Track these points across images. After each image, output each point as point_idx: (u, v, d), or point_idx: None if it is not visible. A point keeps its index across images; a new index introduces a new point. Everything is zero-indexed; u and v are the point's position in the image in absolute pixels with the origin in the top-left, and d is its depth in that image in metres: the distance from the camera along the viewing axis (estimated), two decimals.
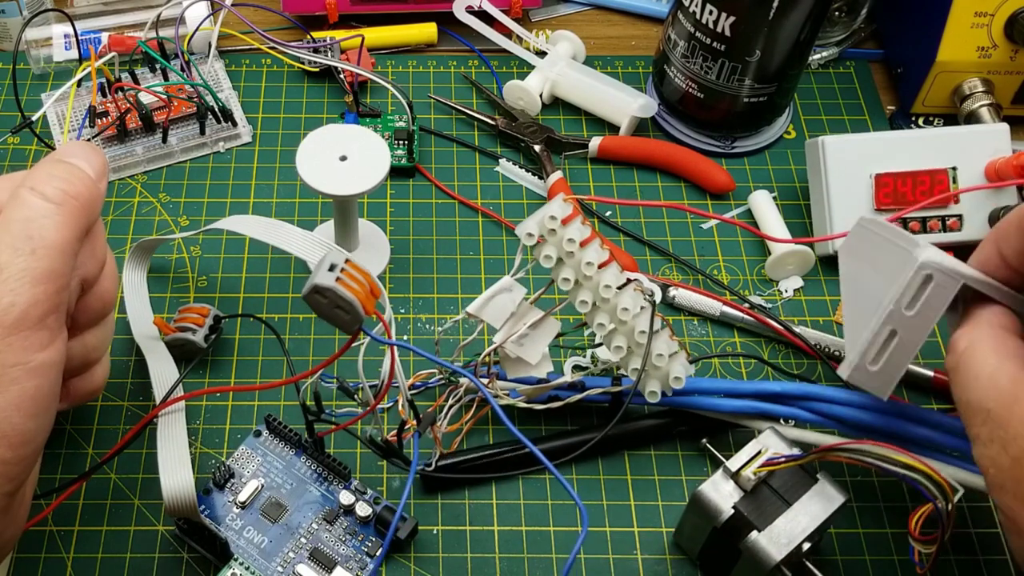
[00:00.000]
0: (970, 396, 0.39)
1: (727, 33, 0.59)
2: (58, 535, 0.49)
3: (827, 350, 0.56)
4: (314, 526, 0.49)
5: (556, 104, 0.69)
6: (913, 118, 0.68)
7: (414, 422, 0.47)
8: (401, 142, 0.65)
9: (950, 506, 0.41)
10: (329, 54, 0.68)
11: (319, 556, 0.47)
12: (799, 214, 0.64)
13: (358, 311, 0.37)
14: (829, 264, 0.61)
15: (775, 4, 0.57)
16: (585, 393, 0.51)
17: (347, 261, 0.37)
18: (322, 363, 0.41)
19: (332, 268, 0.37)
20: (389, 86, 0.64)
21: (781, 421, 0.52)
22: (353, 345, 0.40)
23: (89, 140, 0.63)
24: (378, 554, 0.48)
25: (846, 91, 0.71)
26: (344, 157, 0.53)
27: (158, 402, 0.49)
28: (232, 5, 0.68)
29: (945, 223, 0.59)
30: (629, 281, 0.46)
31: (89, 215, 0.40)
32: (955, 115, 0.67)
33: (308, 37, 0.69)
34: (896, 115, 0.69)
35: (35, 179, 0.39)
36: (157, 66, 0.66)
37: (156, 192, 0.63)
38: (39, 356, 0.36)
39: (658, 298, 0.53)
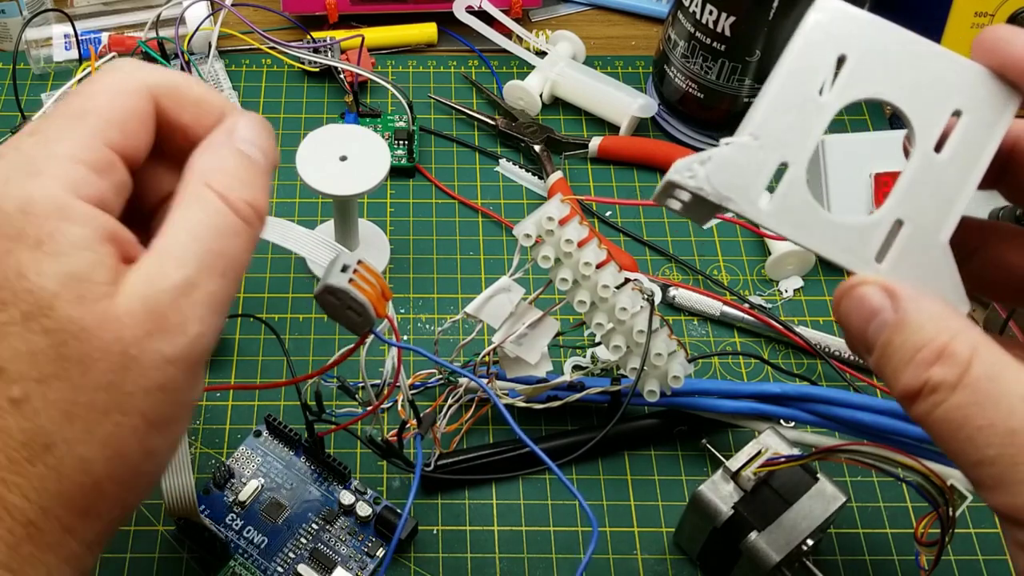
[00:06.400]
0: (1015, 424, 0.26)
1: (727, 33, 0.59)
2: None
3: (827, 350, 0.56)
4: (314, 526, 0.49)
5: (556, 104, 0.69)
6: None
7: (414, 422, 0.47)
8: (401, 142, 0.65)
9: (951, 509, 0.41)
10: (329, 54, 0.68)
11: (319, 556, 0.47)
12: None
13: (370, 313, 0.36)
14: (829, 264, 0.61)
15: (775, 4, 0.57)
16: (584, 393, 0.51)
17: (359, 262, 0.37)
18: (328, 363, 0.41)
19: (345, 269, 0.36)
20: (389, 86, 0.64)
21: (781, 422, 0.52)
22: None
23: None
24: (379, 555, 0.48)
25: None
26: (344, 157, 0.53)
27: None
28: (232, 5, 0.68)
29: None
30: (627, 280, 0.46)
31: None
32: None
33: (308, 37, 0.69)
34: (896, 115, 0.69)
35: (224, 179, 0.30)
36: None
37: None
38: (195, 394, 0.31)
39: (658, 298, 0.53)
